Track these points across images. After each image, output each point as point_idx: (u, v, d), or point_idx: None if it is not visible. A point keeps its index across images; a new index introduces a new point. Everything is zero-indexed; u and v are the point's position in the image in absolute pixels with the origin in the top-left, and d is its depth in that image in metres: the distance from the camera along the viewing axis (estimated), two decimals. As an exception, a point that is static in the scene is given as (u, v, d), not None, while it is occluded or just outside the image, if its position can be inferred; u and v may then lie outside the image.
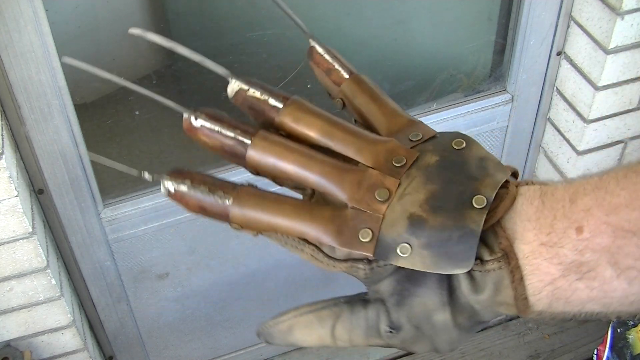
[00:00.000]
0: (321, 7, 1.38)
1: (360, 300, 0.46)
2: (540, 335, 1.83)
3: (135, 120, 1.33)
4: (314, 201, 0.47)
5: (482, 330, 1.85)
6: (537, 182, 0.43)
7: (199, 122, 0.46)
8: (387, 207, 0.42)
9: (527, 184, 0.43)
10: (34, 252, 1.15)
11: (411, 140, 0.46)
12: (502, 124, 1.56)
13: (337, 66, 0.51)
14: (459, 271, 0.40)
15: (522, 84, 1.50)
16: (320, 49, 0.52)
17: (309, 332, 0.47)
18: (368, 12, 1.39)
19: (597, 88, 1.39)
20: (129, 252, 1.40)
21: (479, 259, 0.41)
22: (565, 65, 1.47)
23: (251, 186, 0.46)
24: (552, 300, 0.40)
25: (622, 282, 0.38)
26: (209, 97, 1.38)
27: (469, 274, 0.41)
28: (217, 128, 0.46)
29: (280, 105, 0.47)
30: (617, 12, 1.28)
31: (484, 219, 0.40)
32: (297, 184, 0.47)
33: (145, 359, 1.65)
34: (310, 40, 0.52)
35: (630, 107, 1.46)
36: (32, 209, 1.16)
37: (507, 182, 0.43)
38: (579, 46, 1.41)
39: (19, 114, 1.11)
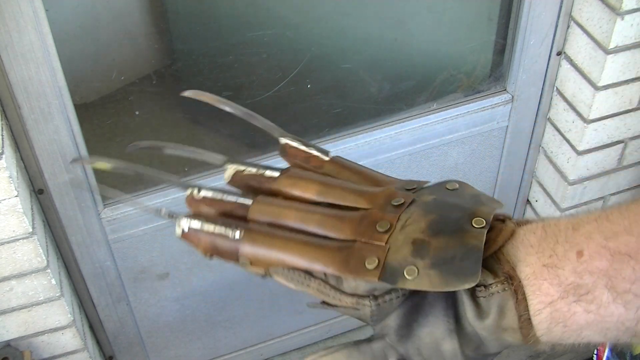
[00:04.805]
0: (321, 7, 1.38)
1: (365, 340, 0.47)
2: (540, 335, 1.83)
3: (135, 120, 1.33)
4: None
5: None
6: (539, 220, 0.45)
7: (201, 194, 0.51)
8: (389, 236, 0.44)
9: (528, 222, 0.45)
10: (34, 252, 1.15)
11: (407, 190, 0.48)
12: (502, 124, 1.56)
13: (315, 152, 0.54)
14: (467, 286, 0.41)
15: (522, 84, 1.50)
16: (294, 143, 0.54)
17: None
18: (368, 12, 1.39)
19: (597, 88, 1.39)
20: (129, 252, 1.40)
21: (483, 285, 0.42)
22: (565, 65, 1.47)
23: (260, 222, 0.49)
24: (551, 323, 0.41)
25: (619, 306, 0.39)
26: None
27: (474, 300, 0.42)
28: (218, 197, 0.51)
29: (276, 175, 0.51)
30: (617, 12, 1.28)
31: (484, 236, 0.42)
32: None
33: (145, 359, 1.65)
34: (281, 139, 0.55)
35: (630, 107, 1.46)
36: (32, 209, 1.16)
37: (505, 218, 0.45)
38: (579, 46, 1.41)
39: (19, 114, 1.11)
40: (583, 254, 0.40)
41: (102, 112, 1.33)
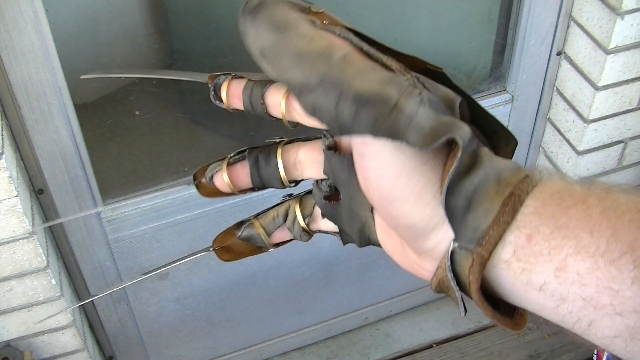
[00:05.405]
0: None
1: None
2: (540, 335, 1.83)
3: (135, 120, 1.33)
4: None
5: (482, 330, 1.85)
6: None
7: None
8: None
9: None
10: (34, 252, 1.15)
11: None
12: (502, 124, 1.56)
13: None
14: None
15: (522, 84, 1.50)
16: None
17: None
18: (368, 12, 1.39)
19: (597, 88, 1.39)
20: (129, 252, 1.40)
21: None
22: (565, 65, 1.47)
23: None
24: (535, 218, 0.35)
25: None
26: (209, 98, 1.38)
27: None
28: None
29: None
30: (617, 12, 1.28)
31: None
32: None
33: (145, 359, 1.65)
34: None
35: (630, 107, 1.46)
36: (32, 209, 1.16)
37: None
38: (579, 46, 1.41)
39: (19, 114, 1.11)
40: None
41: (102, 112, 1.33)
